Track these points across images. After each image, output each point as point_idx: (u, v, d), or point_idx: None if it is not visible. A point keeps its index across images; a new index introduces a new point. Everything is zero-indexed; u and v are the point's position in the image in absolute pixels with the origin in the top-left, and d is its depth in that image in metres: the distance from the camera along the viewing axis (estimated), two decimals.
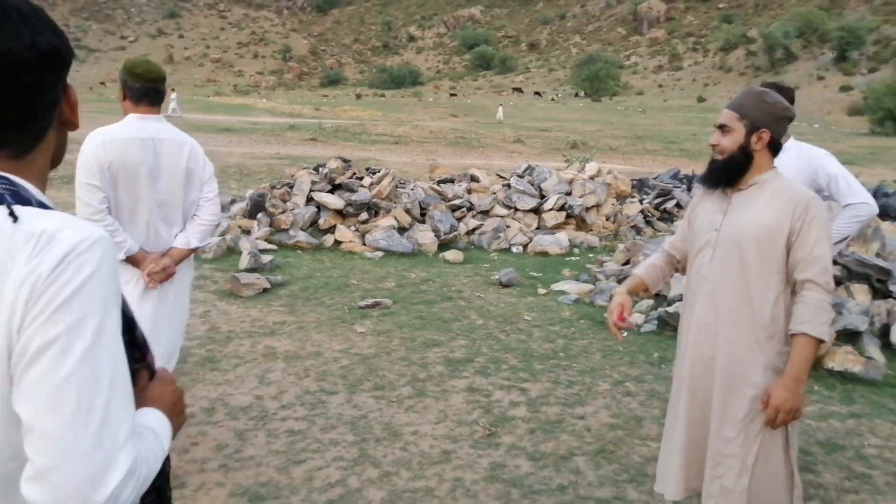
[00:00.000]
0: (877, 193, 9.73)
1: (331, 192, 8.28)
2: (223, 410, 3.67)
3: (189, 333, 4.81)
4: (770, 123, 2.19)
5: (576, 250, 8.22)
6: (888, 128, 39.36)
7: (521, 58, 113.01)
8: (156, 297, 3.01)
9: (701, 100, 66.97)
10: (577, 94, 75.07)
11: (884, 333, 5.08)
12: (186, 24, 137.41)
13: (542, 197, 9.10)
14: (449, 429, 3.56)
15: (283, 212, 7.94)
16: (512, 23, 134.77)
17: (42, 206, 0.94)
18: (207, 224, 3.12)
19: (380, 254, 7.38)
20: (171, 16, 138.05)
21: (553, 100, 70.01)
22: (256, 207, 8.01)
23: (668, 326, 5.19)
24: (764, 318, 2.15)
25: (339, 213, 8.06)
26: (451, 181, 9.87)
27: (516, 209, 8.84)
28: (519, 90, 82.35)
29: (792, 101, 3.32)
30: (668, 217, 9.80)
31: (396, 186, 8.58)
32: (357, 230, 7.87)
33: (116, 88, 3.14)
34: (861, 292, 5.40)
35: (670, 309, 5.31)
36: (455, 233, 8.11)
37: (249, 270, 6.27)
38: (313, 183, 8.32)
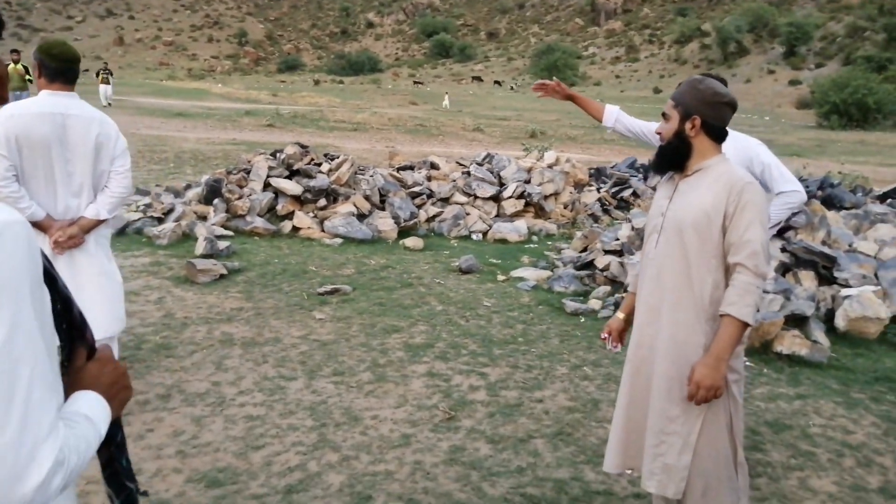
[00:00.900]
0: (823, 184, 10.04)
1: (288, 178, 8.17)
2: (179, 397, 3.61)
3: (143, 320, 4.72)
4: (702, 109, 2.23)
5: (534, 237, 8.30)
6: (833, 121, 40.59)
7: (480, 46, 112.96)
8: (64, 264, 3.17)
9: (657, 91, 68.07)
10: None
11: (829, 318, 5.27)
12: (137, 4, 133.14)
13: (502, 185, 9.15)
14: (409, 413, 3.57)
15: (240, 197, 7.80)
16: (471, 11, 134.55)
17: None
18: (117, 196, 3.33)
19: (339, 240, 7.32)
20: None
21: (512, 88, 70.23)
22: (212, 193, 7.86)
23: None
24: (704, 301, 2.19)
25: (297, 200, 7.96)
26: (411, 168, 9.85)
27: (476, 197, 8.87)
28: (479, 79, 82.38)
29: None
30: (624, 205, 9.95)
31: (356, 173, 8.51)
32: (315, 217, 7.79)
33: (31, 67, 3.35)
34: (808, 279, 5.59)
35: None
36: (415, 220, 8.09)
37: (205, 256, 6.16)
38: (270, 169, 8.20)
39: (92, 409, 1.00)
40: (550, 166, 10.20)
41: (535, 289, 6.06)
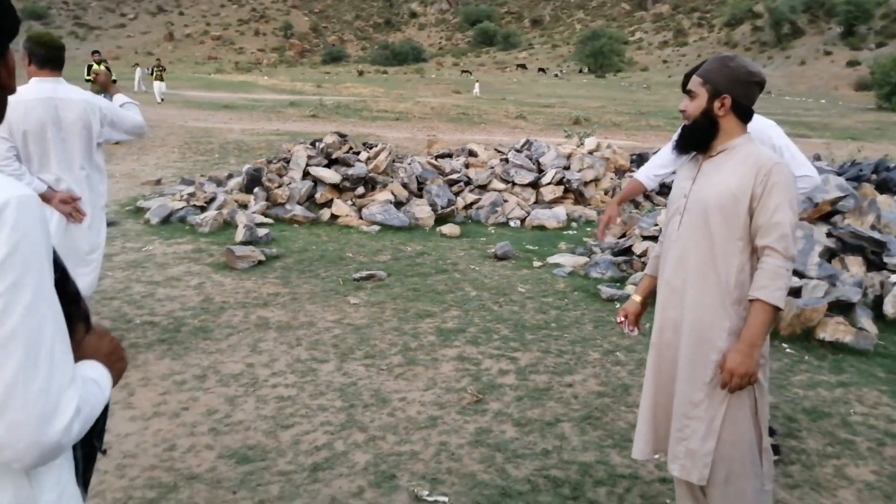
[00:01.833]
0: (878, 167, 9.64)
1: (327, 166, 8.27)
2: (214, 378, 3.71)
3: (183, 304, 4.86)
4: (733, 88, 2.17)
5: (573, 224, 8.21)
6: (895, 103, 38.95)
7: (524, 34, 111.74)
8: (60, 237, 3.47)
9: None
10: (580, 71, 74.42)
11: (877, 305, 5.08)
12: (186, 1, 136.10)
13: (541, 171, 9.07)
14: (437, 396, 3.60)
15: (280, 186, 7.94)
16: None
17: None
18: (133, 110, 3.86)
19: (376, 228, 7.39)
20: None
21: (557, 76, 69.40)
22: (253, 182, 8.01)
23: None
24: (729, 283, 2.14)
25: (336, 188, 8.05)
26: (450, 156, 9.84)
27: (514, 183, 8.82)
28: (523, 66, 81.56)
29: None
30: (666, 191, 9.75)
31: (393, 161, 8.55)
32: (354, 204, 7.87)
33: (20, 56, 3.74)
34: (855, 264, 5.39)
35: None
36: (452, 207, 8.10)
37: (245, 244, 6.29)
38: (310, 158, 8.31)
39: (96, 373, 1.09)
40: (591, 152, 10.06)
41: (572, 275, 6.01)
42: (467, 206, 8.34)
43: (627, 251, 6.33)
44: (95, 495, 2.64)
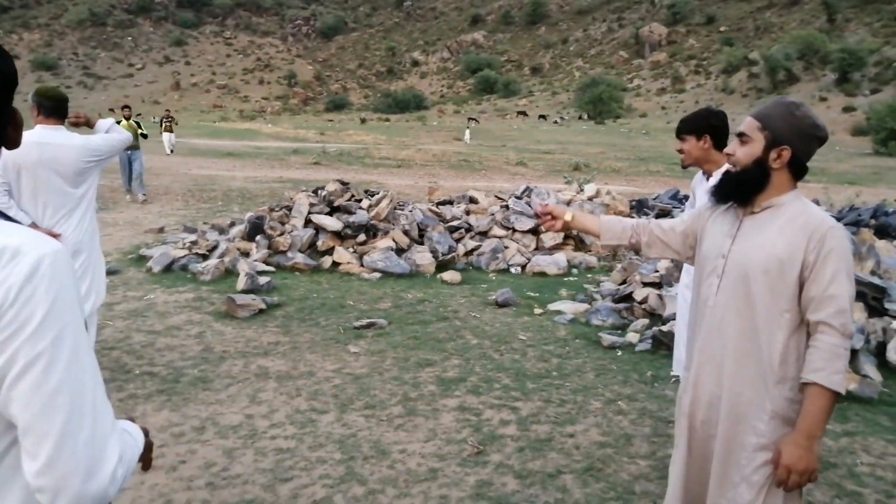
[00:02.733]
0: (877, 212, 9.72)
1: (329, 214, 8.34)
2: (213, 429, 3.68)
3: (183, 354, 4.84)
4: (795, 140, 1.94)
5: (574, 270, 8.23)
6: (892, 148, 39.35)
7: (524, 81, 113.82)
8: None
9: None
10: (580, 117, 75.50)
11: (880, 351, 5.05)
12: (193, 51, 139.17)
13: None
14: (437, 447, 3.56)
15: (282, 234, 7.99)
16: (515, 47, 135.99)
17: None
18: (112, 132, 4.04)
19: (377, 275, 7.41)
20: (178, 43, 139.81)
21: (557, 122, 70.38)
22: (255, 230, 8.07)
23: (663, 345, 5.18)
24: (773, 359, 1.91)
25: (338, 235, 8.10)
26: (450, 203, 9.93)
27: (514, 230, 8.87)
28: (524, 113, 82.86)
29: (726, 124, 3.34)
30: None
31: (395, 208, 8.63)
32: (355, 252, 7.91)
33: (28, 107, 4.00)
34: (857, 310, 5.38)
35: (664, 328, 5.31)
36: (453, 254, 8.13)
37: (246, 292, 6.30)
38: (312, 205, 8.38)
39: (125, 424, 1.15)
40: (591, 198, 10.15)
41: (573, 322, 5.99)
42: (468, 253, 8.38)
43: (628, 298, 6.32)
44: None
